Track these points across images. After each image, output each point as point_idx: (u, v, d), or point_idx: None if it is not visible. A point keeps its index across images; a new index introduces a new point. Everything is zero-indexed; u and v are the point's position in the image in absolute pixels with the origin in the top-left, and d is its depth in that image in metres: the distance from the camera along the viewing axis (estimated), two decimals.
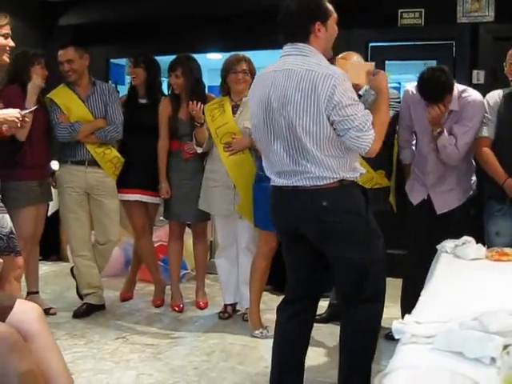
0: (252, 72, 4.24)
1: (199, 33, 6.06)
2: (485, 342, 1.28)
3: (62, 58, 4.32)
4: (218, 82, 4.44)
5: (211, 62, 6.95)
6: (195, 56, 4.65)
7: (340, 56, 4.04)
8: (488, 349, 1.27)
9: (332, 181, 2.60)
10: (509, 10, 5.41)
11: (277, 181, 2.72)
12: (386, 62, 5.01)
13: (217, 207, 4.30)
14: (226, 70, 4.24)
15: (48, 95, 4.35)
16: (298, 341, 2.95)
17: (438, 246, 2.53)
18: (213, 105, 4.31)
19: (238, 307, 4.56)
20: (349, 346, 2.74)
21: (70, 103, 4.34)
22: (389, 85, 4.00)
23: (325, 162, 2.58)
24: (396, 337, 1.42)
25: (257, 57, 4.49)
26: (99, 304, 4.54)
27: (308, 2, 2.58)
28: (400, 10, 5.51)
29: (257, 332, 4.11)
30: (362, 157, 3.28)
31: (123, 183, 4.52)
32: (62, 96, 4.37)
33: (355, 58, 3.99)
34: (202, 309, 4.67)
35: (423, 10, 5.46)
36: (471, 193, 3.78)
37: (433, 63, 5.14)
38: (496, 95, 3.58)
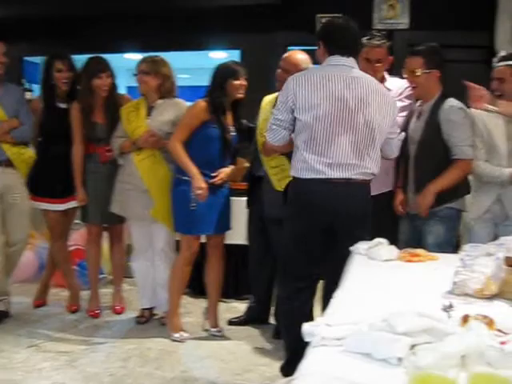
0: (158, 72, 4.13)
1: (117, 32, 5.95)
2: (392, 342, 1.30)
3: None
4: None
5: (130, 62, 6.85)
6: (112, 56, 4.57)
7: (286, 55, 4.06)
8: (395, 349, 1.29)
9: (373, 177, 3.16)
10: (423, 18, 5.60)
11: (327, 172, 3.01)
12: None
13: (131, 211, 4.23)
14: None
15: None
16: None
17: (351, 248, 2.56)
18: (129, 107, 4.25)
19: (155, 311, 4.49)
20: None
21: None
22: None
23: (378, 160, 3.14)
24: (306, 339, 1.42)
25: (177, 57, 4.45)
26: (4, 311, 4.39)
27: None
28: (317, 15, 5.60)
29: (176, 335, 4.08)
30: None
31: (41, 191, 4.40)
32: None
33: (299, 59, 4.01)
34: (118, 314, 4.58)
35: (341, 15, 5.56)
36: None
37: None
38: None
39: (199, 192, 3.83)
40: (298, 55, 4.04)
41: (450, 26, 5.46)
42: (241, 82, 3.94)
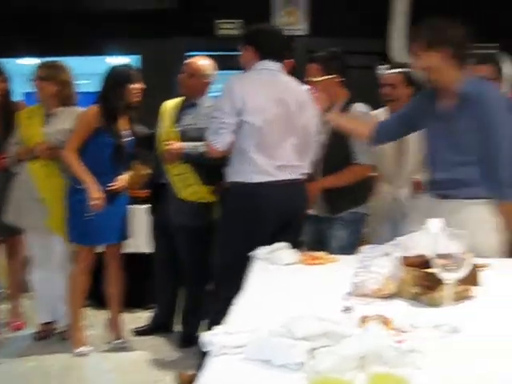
0: (56, 78, 4.01)
1: (11, 36, 5.75)
2: (291, 348, 1.29)
3: None
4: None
5: (26, 67, 6.61)
6: (8, 61, 4.39)
7: (190, 60, 4.03)
8: (294, 355, 1.28)
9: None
10: (321, 24, 5.72)
11: (275, 174, 3.10)
12: None
13: (27, 221, 4.06)
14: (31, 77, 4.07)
15: None
16: None
17: (251, 253, 2.56)
18: (25, 114, 4.12)
19: (55, 326, 4.33)
20: None
21: None
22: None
23: (310, 162, 3.30)
24: (206, 349, 1.40)
25: (75, 63, 4.32)
26: None
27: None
28: (217, 21, 5.61)
29: (79, 350, 3.94)
30: (197, 171, 3.76)
31: None
32: None
33: (203, 65, 4.05)
34: (17, 330, 4.39)
35: (240, 21, 5.61)
36: None
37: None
38: None
39: (95, 202, 3.74)
40: (202, 61, 4.07)
41: (347, 32, 5.60)
42: (137, 85, 3.86)
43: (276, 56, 3.24)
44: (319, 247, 3.30)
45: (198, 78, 4.03)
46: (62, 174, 3.99)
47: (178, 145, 3.92)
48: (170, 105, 4.14)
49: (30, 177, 4.00)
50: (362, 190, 3.70)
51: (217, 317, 2.96)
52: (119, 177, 3.91)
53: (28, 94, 5.26)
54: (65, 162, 3.84)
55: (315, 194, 3.55)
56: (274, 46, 3.25)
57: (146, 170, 4.21)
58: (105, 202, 3.77)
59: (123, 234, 4.04)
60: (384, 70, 3.76)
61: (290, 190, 3.17)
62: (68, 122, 3.97)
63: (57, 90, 4.01)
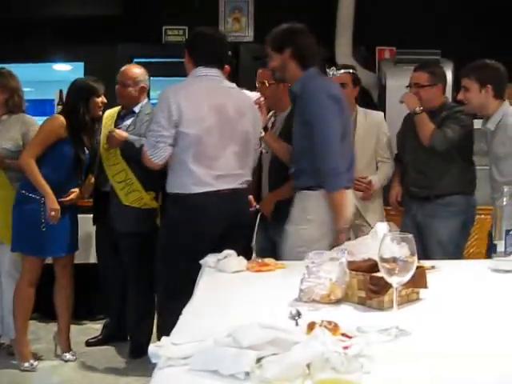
0: (5, 86, 3.96)
1: None
2: (238, 357, 1.27)
3: None
4: None
5: None
6: None
7: (122, 70, 4.02)
8: (241, 364, 1.26)
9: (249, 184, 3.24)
10: (267, 31, 5.73)
11: (214, 184, 3.03)
12: (151, 78, 5.01)
13: None
14: None
15: None
16: None
17: (201, 261, 2.54)
18: None
19: (1, 340, 4.21)
20: None
21: None
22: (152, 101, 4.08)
23: (251, 169, 3.25)
24: (153, 361, 1.37)
25: (19, 70, 4.23)
26: None
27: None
28: (164, 27, 5.58)
29: (26, 364, 3.85)
30: (138, 177, 3.72)
31: None
32: None
33: (137, 74, 4.06)
34: None
35: (186, 28, 5.59)
36: None
37: None
38: None
39: (53, 214, 3.66)
40: (135, 69, 4.09)
41: None
42: (102, 99, 3.86)
43: (212, 61, 3.16)
44: (270, 254, 3.32)
45: (132, 86, 4.03)
46: (10, 183, 3.90)
47: (121, 132, 3.92)
48: (110, 113, 4.13)
49: None
50: None
51: (163, 329, 2.99)
52: (72, 189, 3.87)
53: None
54: (23, 168, 3.75)
55: (268, 209, 3.61)
56: (208, 51, 3.15)
57: (92, 179, 4.15)
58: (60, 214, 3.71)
59: (74, 245, 4.00)
60: (335, 71, 3.91)
61: (230, 199, 3.09)
62: (16, 130, 3.91)
63: (5, 97, 3.94)
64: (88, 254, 4.48)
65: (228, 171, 3.09)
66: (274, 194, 3.62)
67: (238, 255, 2.63)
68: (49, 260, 3.97)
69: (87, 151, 3.91)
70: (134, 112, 4.05)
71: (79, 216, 4.06)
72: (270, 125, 3.74)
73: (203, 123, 3.02)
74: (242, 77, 5.21)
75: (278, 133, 3.67)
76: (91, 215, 4.26)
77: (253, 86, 4.33)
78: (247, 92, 3.94)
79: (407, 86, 3.79)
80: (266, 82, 3.67)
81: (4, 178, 3.92)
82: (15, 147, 3.90)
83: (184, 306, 2.87)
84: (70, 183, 3.87)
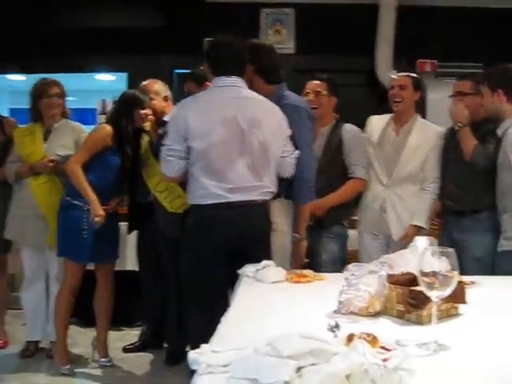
0: (64, 95, 4.09)
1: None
2: (278, 366, 1.29)
3: None
4: (21, 104, 4.22)
5: (13, 82, 6.61)
6: None
7: (143, 84, 4.10)
8: (281, 373, 1.27)
9: (272, 196, 3.13)
10: (307, 43, 5.77)
11: (228, 196, 2.95)
12: None
13: (27, 237, 4.07)
14: (38, 95, 4.06)
15: None
16: None
17: (239, 271, 2.56)
18: (23, 131, 4.13)
19: (42, 344, 4.29)
20: None
21: None
22: None
23: (274, 179, 3.11)
24: (192, 368, 1.39)
25: (63, 79, 4.34)
26: None
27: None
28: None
29: (64, 368, 3.89)
30: (179, 183, 3.53)
31: None
32: None
33: (156, 86, 4.09)
34: (1, 348, 4.34)
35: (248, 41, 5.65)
36: None
37: None
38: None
39: (97, 219, 3.73)
40: (156, 84, 4.17)
41: (333, 51, 5.65)
42: (146, 111, 3.91)
43: (229, 69, 3.04)
44: (307, 264, 3.33)
45: (155, 98, 4.10)
46: (63, 188, 3.97)
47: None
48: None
49: (30, 194, 4.00)
50: (349, 202, 3.79)
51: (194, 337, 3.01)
52: (115, 197, 3.94)
53: (13, 110, 5.27)
54: (69, 174, 3.82)
55: (320, 214, 3.59)
56: (224, 61, 3.05)
57: None
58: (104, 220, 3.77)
59: (115, 253, 4.06)
60: (396, 73, 3.90)
61: (242, 211, 2.99)
62: (67, 137, 4.03)
63: (63, 104, 4.12)
64: (125, 261, 4.54)
65: (240, 184, 2.99)
66: (328, 200, 3.63)
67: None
68: (90, 266, 4.03)
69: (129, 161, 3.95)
70: (164, 122, 4.08)
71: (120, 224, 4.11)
72: None
73: (209, 137, 2.94)
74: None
75: (322, 146, 3.70)
76: (126, 223, 4.31)
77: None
78: None
79: (450, 96, 3.65)
80: (323, 91, 3.73)
81: (58, 183, 4.01)
82: (66, 153, 3.99)
83: (201, 315, 2.96)
84: (113, 192, 3.93)
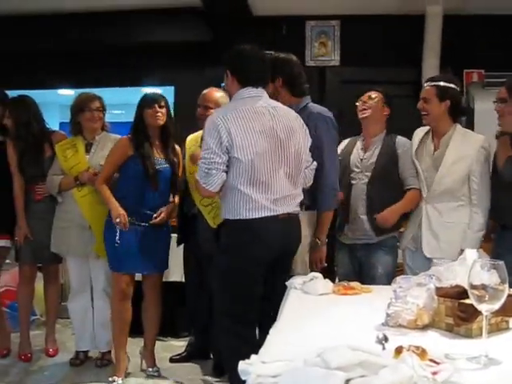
0: (104, 109, 4.20)
1: (50, 68, 5.89)
2: (327, 378, 1.30)
3: None
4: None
5: (63, 97, 6.77)
6: (45, 92, 4.50)
7: (203, 92, 4.11)
8: None
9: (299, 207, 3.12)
10: (353, 55, 5.76)
11: (273, 208, 2.94)
12: None
13: (72, 248, 4.14)
14: (79, 108, 4.16)
15: None
16: None
17: (287, 283, 2.57)
18: (65, 145, 4.22)
19: (91, 353, 4.37)
20: None
21: None
22: None
23: (303, 185, 3.16)
24: (242, 378, 1.41)
25: (110, 92, 4.44)
26: None
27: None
28: None
29: (113, 378, 3.91)
30: None
31: None
32: None
33: (217, 95, 4.09)
34: (52, 356, 4.43)
35: (272, 53, 5.68)
36: None
37: None
38: None
39: (118, 220, 3.75)
40: (216, 92, 4.13)
41: (378, 62, 5.63)
42: (154, 109, 3.84)
43: (258, 81, 3.04)
44: (356, 276, 3.31)
45: (214, 108, 3.97)
46: None
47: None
48: (193, 137, 4.14)
49: (74, 205, 4.09)
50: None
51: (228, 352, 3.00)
52: (162, 208, 3.90)
53: (63, 124, 5.40)
54: (98, 191, 3.93)
55: (392, 222, 3.58)
56: (253, 72, 3.03)
57: (176, 200, 4.22)
58: (126, 219, 3.76)
59: (160, 265, 4.04)
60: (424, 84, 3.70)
61: (286, 224, 3.01)
62: (107, 148, 4.08)
63: (103, 119, 4.22)
64: (172, 273, 4.57)
65: (283, 194, 2.98)
66: (395, 210, 3.59)
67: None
68: (138, 277, 4.08)
69: (164, 165, 3.93)
70: None
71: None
72: (361, 146, 3.78)
73: (255, 148, 2.91)
74: (328, 100, 5.25)
75: (376, 156, 3.68)
76: (175, 235, 4.33)
77: (340, 108, 4.37)
78: None
79: (494, 102, 3.43)
80: (376, 98, 3.70)
81: None
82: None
83: (241, 330, 2.95)
84: (153, 200, 3.89)
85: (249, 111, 2.97)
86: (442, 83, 3.51)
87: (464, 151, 3.47)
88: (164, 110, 3.89)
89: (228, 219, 3.01)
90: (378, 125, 3.75)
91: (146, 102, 3.87)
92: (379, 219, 3.56)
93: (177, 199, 4.11)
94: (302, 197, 3.14)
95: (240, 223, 2.96)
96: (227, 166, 2.94)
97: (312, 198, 3.37)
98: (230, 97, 3.20)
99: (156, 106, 3.84)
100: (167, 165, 3.95)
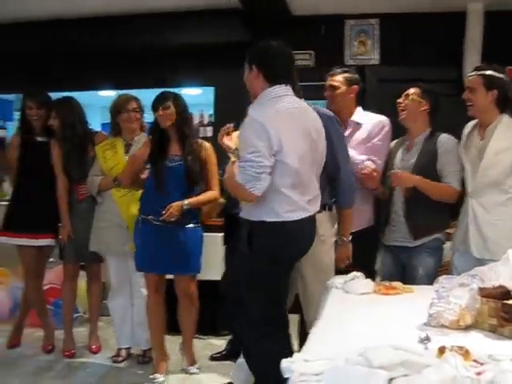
0: (141, 110, 4.26)
1: (91, 69, 5.98)
2: (369, 376, 1.30)
3: None
4: None
5: (105, 99, 6.87)
6: (86, 93, 4.57)
7: None
8: (372, 383, 1.29)
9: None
10: (392, 54, 5.72)
11: (308, 208, 2.95)
12: None
13: (111, 247, 4.20)
14: (117, 109, 4.22)
15: None
16: None
17: (328, 282, 2.58)
18: (105, 146, 4.29)
19: (132, 350, 4.43)
20: None
21: None
22: None
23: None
24: (285, 376, 1.42)
25: (151, 94, 4.49)
26: None
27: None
28: (292, 51, 5.70)
29: (155, 375, 3.97)
30: None
31: (17, 227, 4.37)
32: None
33: None
34: (94, 353, 4.51)
35: (313, 52, 5.68)
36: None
37: (322, 103, 5.33)
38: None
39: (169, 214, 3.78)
40: None
41: (419, 61, 5.57)
42: (158, 112, 3.84)
43: (285, 78, 2.95)
44: (399, 277, 3.27)
45: None
46: None
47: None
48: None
49: (113, 205, 4.16)
50: (444, 214, 3.63)
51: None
52: (172, 204, 3.81)
53: (104, 125, 5.48)
54: None
55: (402, 184, 3.54)
56: (282, 68, 2.97)
57: (220, 199, 4.25)
58: (154, 232, 3.81)
59: (191, 267, 3.96)
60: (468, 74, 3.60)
61: (313, 224, 3.04)
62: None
63: (141, 119, 4.28)
64: (215, 272, 4.59)
65: (314, 194, 3.01)
66: (418, 179, 3.54)
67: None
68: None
69: (177, 163, 3.91)
70: None
71: (209, 234, 4.15)
72: (405, 147, 3.74)
73: (299, 151, 2.87)
74: (368, 99, 5.22)
75: (416, 155, 3.63)
76: (219, 234, 4.35)
77: (380, 107, 4.34)
78: (372, 115, 3.95)
79: None
80: (415, 95, 3.63)
81: (139, 194, 4.09)
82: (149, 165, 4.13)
83: (274, 333, 2.93)
84: (166, 198, 3.82)
85: (287, 113, 2.89)
86: (488, 72, 3.37)
87: (509, 142, 3.35)
88: (169, 111, 3.85)
89: (264, 221, 2.89)
90: (417, 122, 3.66)
91: (153, 106, 3.94)
92: (393, 176, 3.53)
93: (212, 194, 4.02)
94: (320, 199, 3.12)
95: (277, 225, 2.89)
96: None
97: (331, 197, 3.36)
98: (252, 91, 3.09)
99: (160, 108, 3.87)
100: (181, 162, 3.91)
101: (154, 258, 3.85)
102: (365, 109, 3.96)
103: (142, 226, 3.88)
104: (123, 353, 4.39)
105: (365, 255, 3.68)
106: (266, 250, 2.92)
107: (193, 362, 4.17)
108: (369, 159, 3.69)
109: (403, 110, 3.66)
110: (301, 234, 2.96)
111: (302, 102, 3.04)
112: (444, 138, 3.60)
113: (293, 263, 3.05)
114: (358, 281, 2.51)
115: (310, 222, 2.98)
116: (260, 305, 2.97)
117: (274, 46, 3.03)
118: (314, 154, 2.97)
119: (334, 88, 3.81)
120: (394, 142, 3.86)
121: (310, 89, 5.42)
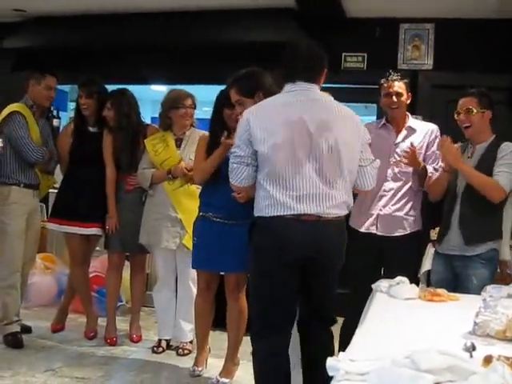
0: (195, 107, 4.33)
1: (143, 64, 6.07)
2: (416, 379, 1.31)
3: (53, 85, 4.44)
4: None
5: (156, 93, 6.96)
6: (138, 87, 4.64)
7: None
8: None
9: (347, 210, 2.89)
10: (446, 59, 5.65)
11: (294, 207, 2.72)
12: None
13: (160, 240, 4.24)
14: (173, 104, 4.27)
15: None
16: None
17: (373, 286, 2.58)
18: (155, 139, 4.34)
19: (172, 342, 4.49)
20: None
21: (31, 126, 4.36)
22: None
23: (350, 190, 2.89)
24: (330, 374, 1.44)
25: (202, 90, 4.54)
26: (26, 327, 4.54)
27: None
28: (344, 54, 5.68)
29: (195, 368, 3.99)
30: None
31: (65, 215, 4.47)
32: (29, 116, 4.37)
33: None
34: (135, 342, 4.59)
35: (366, 55, 5.66)
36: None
37: (373, 106, 5.30)
38: None
39: None
40: None
41: (472, 67, 5.50)
42: (232, 108, 3.67)
43: (299, 74, 2.85)
44: (451, 286, 3.22)
45: None
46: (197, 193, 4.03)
47: None
48: None
49: (165, 198, 4.22)
50: (497, 222, 3.54)
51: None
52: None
53: (154, 119, 5.57)
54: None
55: (452, 154, 3.48)
56: (293, 65, 2.87)
57: None
58: (210, 229, 3.73)
59: (240, 265, 3.61)
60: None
61: (318, 227, 2.77)
62: (196, 143, 4.16)
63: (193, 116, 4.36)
64: None
65: (308, 190, 2.74)
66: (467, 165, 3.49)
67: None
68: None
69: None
70: None
71: None
72: (468, 154, 3.62)
73: (273, 139, 2.74)
74: (420, 104, 5.17)
75: (478, 160, 3.53)
76: None
77: (432, 113, 4.31)
78: (423, 122, 3.91)
79: None
80: (473, 109, 3.49)
81: (192, 187, 4.18)
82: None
83: (269, 335, 2.81)
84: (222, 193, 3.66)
85: (274, 104, 2.85)
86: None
87: None
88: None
89: (258, 217, 2.86)
90: (482, 133, 3.57)
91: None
92: (442, 141, 3.51)
93: None
94: (348, 200, 2.88)
95: (261, 220, 2.83)
96: (254, 160, 2.82)
97: None
98: None
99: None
100: None
101: (210, 256, 3.73)
102: (417, 114, 3.94)
103: (201, 223, 3.80)
104: (163, 344, 4.45)
105: (410, 260, 3.67)
106: (254, 246, 2.90)
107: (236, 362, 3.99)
108: (434, 168, 3.73)
109: (468, 127, 3.54)
110: (285, 233, 2.75)
111: (312, 94, 2.86)
112: (506, 146, 3.50)
113: (284, 265, 2.78)
114: (403, 286, 2.50)
115: (306, 222, 2.74)
116: (254, 303, 2.97)
117: (293, 45, 3.00)
118: (309, 146, 2.75)
119: (399, 95, 3.78)
120: (457, 146, 3.78)
121: (362, 91, 5.42)
